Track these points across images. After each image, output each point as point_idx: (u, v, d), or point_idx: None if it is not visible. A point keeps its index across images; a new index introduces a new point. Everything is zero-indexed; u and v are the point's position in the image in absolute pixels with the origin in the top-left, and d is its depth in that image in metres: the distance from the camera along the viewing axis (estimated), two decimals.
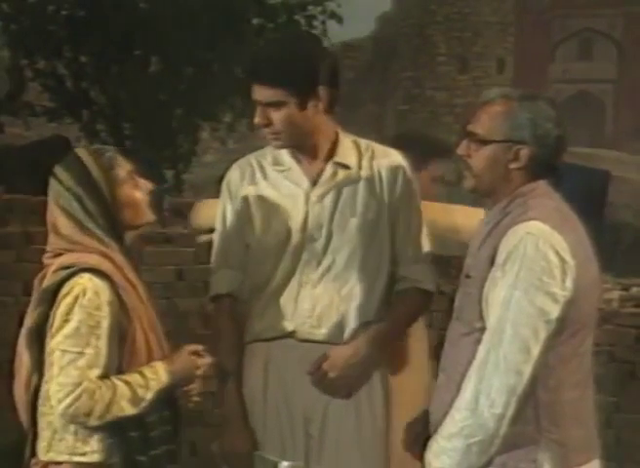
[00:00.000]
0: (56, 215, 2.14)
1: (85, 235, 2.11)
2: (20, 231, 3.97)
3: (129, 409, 2.05)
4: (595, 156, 16.96)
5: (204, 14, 6.94)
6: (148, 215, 2.21)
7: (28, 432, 2.15)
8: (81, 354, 2.02)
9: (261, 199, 2.40)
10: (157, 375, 2.10)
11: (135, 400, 2.05)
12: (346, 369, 2.32)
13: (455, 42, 24.89)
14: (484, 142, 2.05)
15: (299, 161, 2.39)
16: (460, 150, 2.10)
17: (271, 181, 2.40)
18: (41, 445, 2.11)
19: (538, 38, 28.72)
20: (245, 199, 2.41)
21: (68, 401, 2.01)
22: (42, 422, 2.10)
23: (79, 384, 2.01)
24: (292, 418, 2.38)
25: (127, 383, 2.05)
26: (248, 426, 2.40)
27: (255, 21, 7.63)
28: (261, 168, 2.42)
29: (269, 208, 2.38)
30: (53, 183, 2.15)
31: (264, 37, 7.37)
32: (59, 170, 2.15)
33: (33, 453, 2.14)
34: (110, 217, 2.14)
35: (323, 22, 7.91)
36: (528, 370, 1.92)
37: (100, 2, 6.93)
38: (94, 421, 2.04)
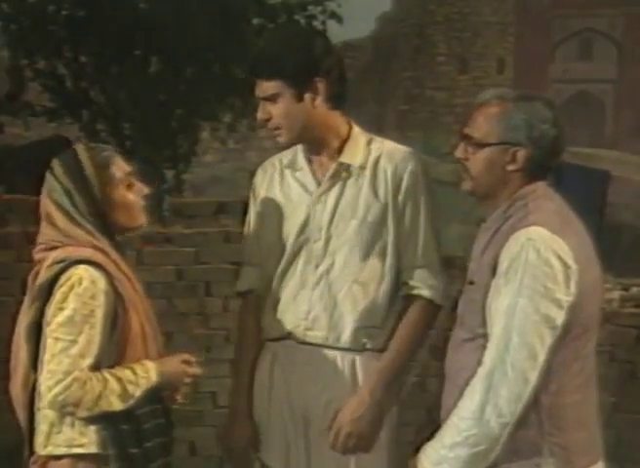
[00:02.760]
0: (49, 207, 2.15)
1: (77, 228, 2.12)
2: (20, 231, 3.97)
3: (117, 405, 2.05)
4: (595, 156, 16.94)
5: (204, 14, 6.93)
6: (141, 219, 2.21)
7: (26, 430, 2.15)
8: (74, 342, 2.02)
9: (273, 200, 2.41)
10: (148, 374, 2.10)
11: (124, 396, 2.06)
12: (355, 422, 2.30)
13: (454, 42, 24.85)
14: (480, 145, 2.05)
15: (310, 161, 2.38)
16: (458, 153, 2.09)
17: (285, 183, 2.41)
18: (39, 440, 2.12)
19: (538, 38, 28.68)
20: (262, 200, 2.44)
21: (58, 389, 2.01)
22: (39, 417, 2.11)
23: (70, 373, 2.01)
24: (294, 419, 2.39)
25: (118, 379, 2.06)
26: (250, 423, 2.42)
27: (255, 22, 7.62)
28: (281, 169, 2.43)
29: (278, 209, 2.39)
30: (47, 176, 2.17)
31: (264, 37, 7.35)
32: (54, 163, 2.17)
33: (32, 452, 2.14)
34: (100, 216, 2.14)
35: (323, 22, 7.90)
36: (535, 377, 1.92)
37: (100, 2, 6.92)
38: (81, 412, 2.05)
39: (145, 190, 2.22)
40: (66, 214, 2.13)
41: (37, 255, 2.17)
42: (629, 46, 29.04)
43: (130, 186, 2.19)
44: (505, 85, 23.50)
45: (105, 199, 2.15)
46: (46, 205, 2.17)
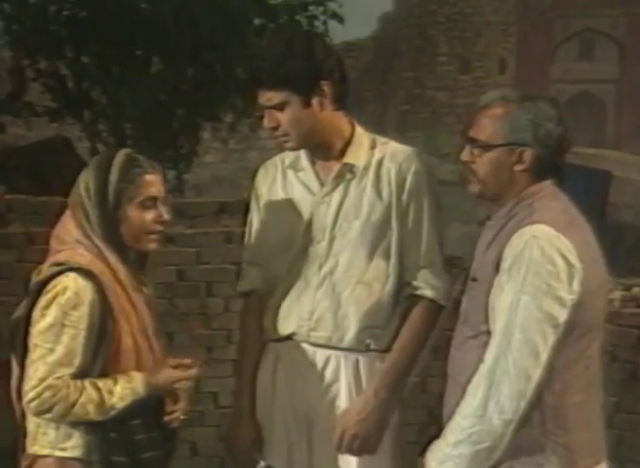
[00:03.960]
0: (73, 199, 2.16)
1: (88, 228, 2.13)
2: (22, 231, 3.97)
3: (95, 414, 2.04)
4: (596, 156, 16.95)
5: (205, 14, 6.92)
6: (147, 245, 2.18)
7: (21, 427, 2.16)
8: (51, 350, 2.03)
9: (275, 200, 2.41)
10: (132, 385, 2.08)
11: (102, 405, 2.04)
12: (361, 423, 2.29)
13: (456, 42, 24.84)
14: (486, 148, 2.04)
15: (313, 162, 2.38)
16: (464, 156, 2.09)
17: (287, 183, 2.41)
18: (28, 438, 2.13)
19: (539, 38, 28.66)
20: (264, 200, 2.44)
21: (31, 395, 2.02)
22: (28, 416, 2.12)
23: (44, 380, 2.01)
24: (297, 419, 2.39)
25: (97, 388, 2.04)
26: (253, 424, 2.42)
27: (256, 22, 7.61)
28: (283, 169, 2.43)
29: (280, 209, 2.39)
30: (85, 168, 2.18)
31: (266, 38, 7.35)
32: (93, 159, 2.20)
33: (24, 448, 2.16)
34: (108, 221, 2.13)
35: (324, 23, 7.89)
36: (537, 375, 1.92)
37: (102, 2, 6.91)
38: (56, 419, 2.05)
39: (165, 217, 2.18)
40: (82, 208, 2.13)
41: (52, 245, 2.16)
42: (631, 46, 29.01)
43: (149, 208, 2.16)
44: (507, 85, 23.49)
45: (116, 210, 2.13)
46: (73, 193, 2.17)
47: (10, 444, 2.38)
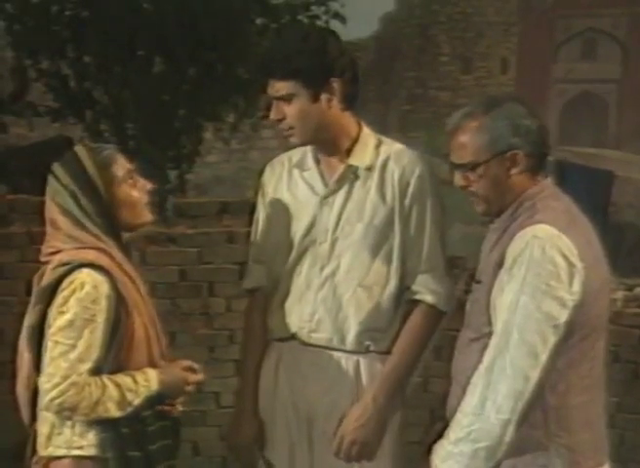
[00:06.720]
0: (53, 212, 2.15)
1: (82, 231, 2.11)
2: (24, 231, 3.97)
3: (114, 412, 2.05)
4: (599, 156, 16.94)
5: (206, 14, 6.92)
6: (146, 216, 2.21)
7: (29, 430, 2.15)
8: (73, 347, 2.02)
9: (280, 199, 2.40)
10: (148, 383, 2.09)
11: (122, 403, 2.05)
12: (359, 429, 2.29)
13: (458, 42, 24.85)
14: (476, 167, 2.04)
15: (319, 162, 2.38)
16: (458, 183, 2.08)
17: (292, 182, 2.40)
18: (40, 440, 2.12)
19: (541, 38, 28.66)
20: (270, 199, 2.43)
21: (54, 393, 2.01)
22: (41, 418, 2.11)
23: (68, 377, 2.00)
24: (298, 419, 2.39)
25: (117, 385, 2.05)
26: (256, 420, 2.42)
27: (258, 22, 7.61)
28: (289, 167, 2.42)
29: (285, 208, 2.39)
30: (50, 180, 2.16)
31: (268, 37, 7.35)
32: (56, 167, 2.16)
33: (34, 452, 2.15)
34: (107, 215, 2.13)
35: (326, 23, 7.88)
36: (535, 376, 1.91)
37: (104, 2, 6.92)
38: (78, 417, 2.05)
39: (148, 186, 2.22)
40: (72, 217, 2.13)
41: (43, 259, 2.17)
42: (633, 45, 28.99)
43: (133, 183, 2.19)
44: (509, 85, 23.53)
45: (110, 198, 2.15)
46: (50, 209, 2.16)
47: (10, 444, 2.38)
